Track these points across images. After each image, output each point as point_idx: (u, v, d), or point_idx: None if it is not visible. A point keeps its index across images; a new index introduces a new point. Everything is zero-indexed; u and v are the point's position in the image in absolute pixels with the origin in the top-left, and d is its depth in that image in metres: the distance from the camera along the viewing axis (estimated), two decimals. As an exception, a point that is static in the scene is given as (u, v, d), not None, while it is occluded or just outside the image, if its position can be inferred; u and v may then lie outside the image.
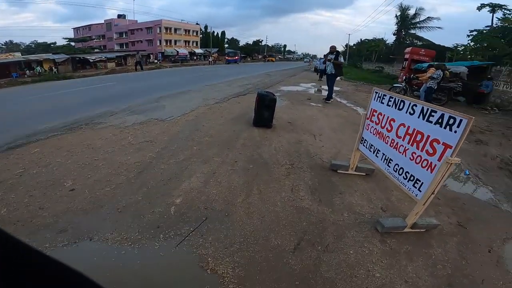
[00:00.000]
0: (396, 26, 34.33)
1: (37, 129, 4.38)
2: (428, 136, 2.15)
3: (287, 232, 2.11)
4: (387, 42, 41.14)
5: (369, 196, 2.78)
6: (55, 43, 39.94)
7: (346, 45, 59.39)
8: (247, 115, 5.41)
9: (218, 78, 13.02)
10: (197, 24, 55.30)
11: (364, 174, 3.27)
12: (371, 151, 2.88)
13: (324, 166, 3.40)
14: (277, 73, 19.03)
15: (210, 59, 36.25)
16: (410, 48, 18.47)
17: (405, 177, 2.33)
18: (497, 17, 21.09)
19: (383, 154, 2.66)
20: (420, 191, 2.16)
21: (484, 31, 19.79)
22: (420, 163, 2.20)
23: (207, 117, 5.14)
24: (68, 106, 6.49)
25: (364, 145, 3.02)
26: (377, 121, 2.78)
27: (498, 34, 17.72)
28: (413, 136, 2.29)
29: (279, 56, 78.00)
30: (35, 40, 49.25)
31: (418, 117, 2.25)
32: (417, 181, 2.20)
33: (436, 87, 9.37)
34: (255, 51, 68.59)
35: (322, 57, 17.00)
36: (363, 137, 3.05)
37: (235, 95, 7.83)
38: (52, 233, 2.00)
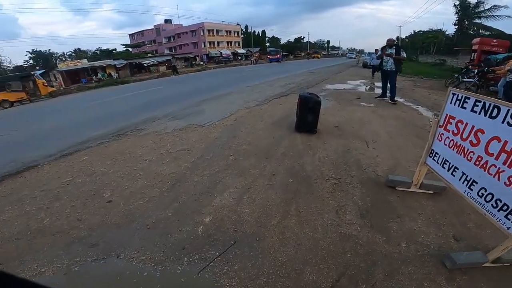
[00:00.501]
0: (456, 16, 30.15)
1: (89, 136, 4.80)
2: (540, 156, 1.56)
3: (326, 265, 1.76)
4: (446, 33, 36.69)
5: (437, 221, 2.24)
6: (115, 49, 44.59)
7: (397, 38, 54.51)
8: (289, 118, 5.07)
9: (259, 78, 12.88)
10: (237, 24, 56.60)
11: (432, 192, 2.66)
12: (444, 168, 2.29)
13: (379, 181, 2.87)
14: (321, 70, 18.09)
15: (252, 59, 36.57)
16: (479, 38, 16.00)
17: (494, 205, 1.77)
18: None
19: (463, 173, 2.07)
20: (517, 225, 1.62)
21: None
22: (523, 191, 1.62)
23: (246, 122, 4.97)
24: (119, 112, 7.13)
25: (434, 159, 2.43)
26: (456, 131, 2.19)
27: None
28: (513, 154, 1.70)
29: (323, 53, 75.22)
30: (99, 47, 55.73)
31: (523, 129, 1.66)
32: (512, 213, 1.65)
33: (515, 81, 7.72)
34: (297, 49, 67.42)
35: (374, 51, 15.44)
36: (433, 149, 2.47)
37: (276, 96, 7.55)
38: (85, 246, 2.01)
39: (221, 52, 47.11)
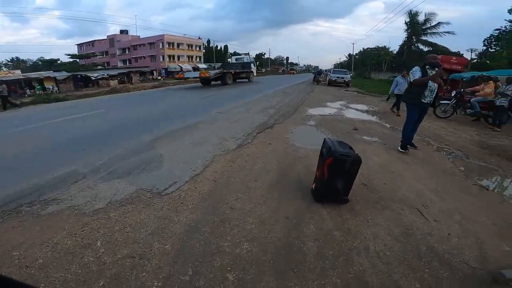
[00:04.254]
0: (406, 33, 33.14)
1: None
2: None
3: None
4: (390, 49, 40.46)
5: None
6: (58, 59, 39.14)
7: (349, 55, 58.56)
8: (291, 171, 3.52)
9: (229, 99, 11.15)
10: (199, 38, 55.32)
11: None
12: None
13: (480, 277, 1.88)
14: (292, 89, 17.19)
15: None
16: (440, 56, 16.85)
17: None
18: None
19: None
20: None
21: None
22: None
23: (233, 183, 3.13)
24: (24, 158, 4.33)
25: None
26: None
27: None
28: None
29: (283, 69, 78.42)
30: (41, 57, 48.89)
31: None
32: None
33: (507, 105, 7.53)
34: (259, 65, 68.80)
35: (403, 75, 8.78)
36: None
37: (259, 127, 5.87)
38: None
39: (181, 67, 44.83)
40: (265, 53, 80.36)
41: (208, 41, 59.62)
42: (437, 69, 4.37)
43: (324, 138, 2.81)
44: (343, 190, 2.56)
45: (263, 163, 3.74)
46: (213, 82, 18.51)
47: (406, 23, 32.15)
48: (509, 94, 7.46)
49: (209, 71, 18.10)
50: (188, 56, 50.72)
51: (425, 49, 31.14)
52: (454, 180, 3.60)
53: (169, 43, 46.01)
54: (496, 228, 2.46)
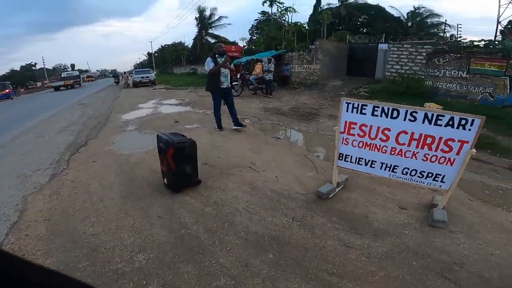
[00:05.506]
0: (197, 28, 37.61)
1: None
2: (441, 138, 2.25)
3: None
4: (186, 44, 44.80)
5: (393, 199, 2.82)
6: None
7: (149, 54, 58.69)
8: (136, 177, 3.61)
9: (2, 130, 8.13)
10: None
11: (343, 186, 3.15)
12: (361, 164, 2.79)
13: (312, 198, 2.92)
14: (91, 99, 14.92)
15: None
16: (225, 46, 20.98)
17: (420, 175, 2.49)
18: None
19: (382, 163, 2.65)
20: (444, 182, 2.42)
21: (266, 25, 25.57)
22: (437, 160, 2.39)
23: (75, 215, 2.69)
24: None
25: (347, 161, 2.88)
26: (362, 134, 2.60)
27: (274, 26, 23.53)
28: (421, 140, 2.35)
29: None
30: None
31: (423, 123, 2.33)
32: (437, 176, 2.43)
33: (272, 78, 11.15)
34: (29, 78, 53.57)
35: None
36: (341, 153, 2.88)
37: (70, 149, 4.97)
38: None
39: None
40: (35, 64, 62.50)
41: None
42: (225, 56, 5.20)
43: (157, 134, 3.15)
44: (193, 173, 3.12)
45: (99, 182, 3.48)
46: None
47: (196, 18, 36.28)
48: (271, 70, 11.14)
49: (70, 80, 28.17)
50: None
51: (212, 41, 36.78)
52: (259, 138, 5.25)
53: None
54: (297, 162, 3.96)
